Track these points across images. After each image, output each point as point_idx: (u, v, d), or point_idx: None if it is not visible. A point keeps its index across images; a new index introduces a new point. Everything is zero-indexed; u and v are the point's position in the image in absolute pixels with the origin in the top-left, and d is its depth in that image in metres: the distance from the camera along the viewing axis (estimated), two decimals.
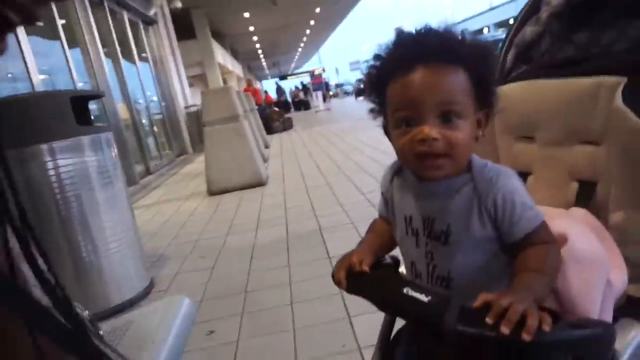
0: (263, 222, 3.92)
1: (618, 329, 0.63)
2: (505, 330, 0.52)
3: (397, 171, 0.80)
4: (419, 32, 0.71)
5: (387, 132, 0.76)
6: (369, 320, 1.97)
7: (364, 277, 0.70)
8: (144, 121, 9.05)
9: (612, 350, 0.60)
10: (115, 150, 2.58)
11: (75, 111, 2.28)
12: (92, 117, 2.66)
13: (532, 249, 0.65)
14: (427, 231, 0.74)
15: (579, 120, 0.84)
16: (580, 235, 0.72)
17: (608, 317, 0.68)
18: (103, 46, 7.10)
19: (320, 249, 2.93)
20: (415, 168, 0.71)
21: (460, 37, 0.70)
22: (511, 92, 0.98)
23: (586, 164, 0.85)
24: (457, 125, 0.67)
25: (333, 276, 0.74)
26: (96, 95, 2.92)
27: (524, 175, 1.00)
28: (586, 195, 0.85)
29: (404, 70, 0.67)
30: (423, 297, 0.62)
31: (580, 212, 0.82)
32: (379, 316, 1.82)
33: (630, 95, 0.75)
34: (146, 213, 5.25)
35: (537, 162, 0.97)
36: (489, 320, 0.54)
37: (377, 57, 0.74)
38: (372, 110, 0.77)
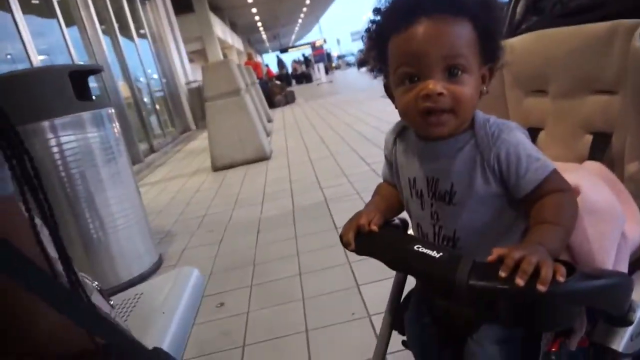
0: (268, 196, 3.92)
1: (635, 279, 0.62)
2: (519, 282, 0.50)
3: (399, 133, 0.78)
4: None
5: (388, 91, 0.73)
6: (377, 288, 1.99)
7: (373, 236, 0.69)
8: (145, 99, 9.00)
9: (629, 301, 0.58)
10: (117, 126, 2.56)
11: (75, 87, 2.25)
12: (93, 95, 2.62)
13: (546, 199, 0.62)
14: (432, 192, 0.73)
15: (594, 68, 0.80)
16: (593, 187, 0.70)
17: (624, 269, 0.67)
18: (100, 23, 6.99)
19: (326, 220, 2.93)
20: (419, 126, 0.69)
21: None
22: (521, 44, 0.95)
23: (600, 115, 0.82)
24: (463, 79, 0.64)
25: (341, 238, 0.73)
26: (95, 70, 2.87)
27: (535, 131, 0.97)
28: (601, 148, 0.82)
29: (407, 23, 0.64)
30: (434, 254, 0.60)
31: (594, 165, 0.80)
32: (387, 284, 1.82)
33: None
34: (152, 191, 5.27)
35: (549, 117, 0.94)
36: (502, 273, 0.52)
37: (376, 11, 0.70)
38: (372, 69, 0.74)
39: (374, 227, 0.69)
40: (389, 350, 1.03)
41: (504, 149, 0.65)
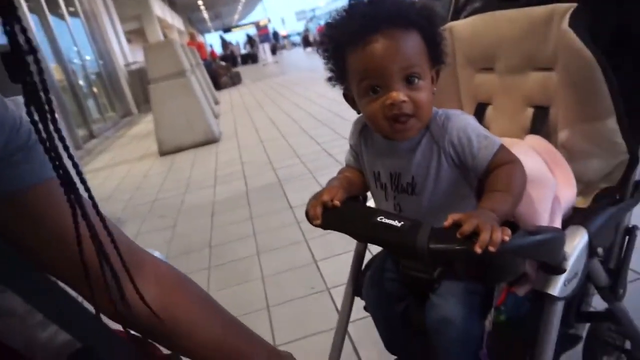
0: (220, 178, 3.88)
1: (567, 234, 0.70)
2: (477, 249, 0.56)
3: (363, 127, 0.83)
4: (370, 0, 0.72)
5: (347, 99, 0.78)
6: (334, 263, 2.05)
7: (338, 211, 0.73)
8: (80, 82, 8.50)
9: (563, 252, 0.67)
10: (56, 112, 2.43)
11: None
12: None
13: (497, 171, 0.70)
14: (394, 185, 0.79)
15: (534, 47, 0.88)
16: (530, 160, 0.78)
17: (557, 226, 0.76)
18: (26, 0, 6.48)
19: (281, 200, 2.96)
20: (386, 131, 0.74)
21: (407, 0, 0.72)
22: (471, 26, 1.02)
23: (540, 90, 0.91)
24: (420, 86, 0.70)
25: (307, 213, 0.76)
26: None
27: (484, 106, 1.05)
28: (540, 120, 0.91)
29: (363, 40, 0.69)
30: (396, 223, 0.65)
31: (534, 139, 0.89)
32: (344, 258, 1.89)
33: (576, 20, 0.79)
34: (96, 178, 5.05)
35: (496, 92, 1.02)
36: (459, 235, 0.58)
37: (330, 26, 0.74)
38: (330, 79, 0.78)
39: (337, 203, 0.73)
40: (350, 319, 1.10)
41: (455, 133, 0.72)
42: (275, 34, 31.23)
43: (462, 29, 1.06)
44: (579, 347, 1.06)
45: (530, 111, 0.94)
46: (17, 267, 0.35)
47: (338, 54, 0.74)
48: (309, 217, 0.75)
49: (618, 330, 1.12)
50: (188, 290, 0.67)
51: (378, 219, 0.67)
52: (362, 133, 0.83)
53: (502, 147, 0.71)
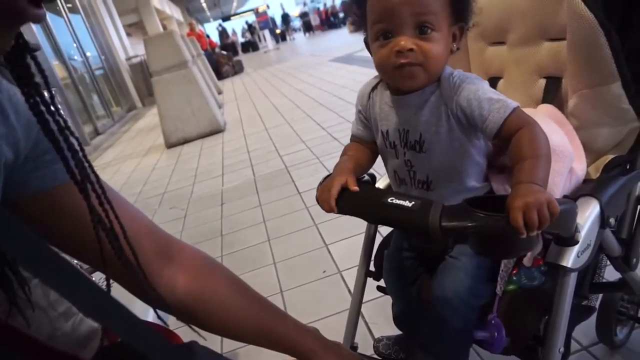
0: (228, 168, 3.89)
1: (578, 205, 0.70)
2: (523, 233, 0.55)
3: (374, 88, 0.82)
4: None
5: (367, 46, 0.77)
6: (344, 246, 2.07)
7: (350, 195, 0.73)
8: (84, 78, 8.51)
9: (575, 224, 0.66)
10: (61, 108, 2.44)
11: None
12: None
13: (517, 136, 0.67)
14: (403, 142, 0.78)
15: (548, 17, 0.87)
16: (549, 130, 0.77)
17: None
18: None
19: (289, 187, 2.97)
20: (392, 78, 0.74)
21: None
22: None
23: (552, 60, 0.89)
24: (433, 37, 0.69)
25: (318, 200, 0.76)
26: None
27: (495, 80, 1.04)
28: (552, 91, 0.90)
29: None
30: (407, 203, 0.65)
31: (546, 108, 0.88)
32: (354, 240, 1.89)
33: None
34: (104, 173, 5.08)
35: (507, 64, 1.01)
36: (522, 233, 0.56)
37: None
38: (353, 23, 0.78)
39: (355, 188, 0.73)
40: (363, 299, 1.11)
41: (464, 96, 0.71)
42: (286, 16, 27.85)
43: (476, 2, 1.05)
44: (593, 318, 1.06)
45: (542, 82, 0.93)
46: (48, 259, 0.36)
47: None
48: (321, 203, 0.75)
49: (632, 300, 1.12)
50: (217, 272, 0.69)
51: (389, 200, 0.67)
52: (372, 93, 0.82)
53: (519, 110, 0.69)
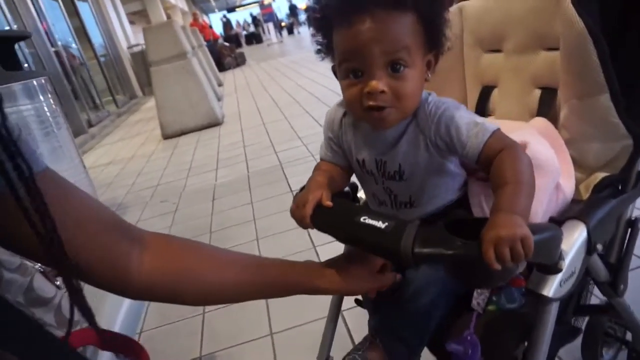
0: (222, 162, 3.86)
1: (564, 229, 0.66)
2: (496, 266, 0.50)
3: (345, 114, 0.78)
4: None
5: (335, 74, 0.72)
6: (333, 248, 2.00)
7: (323, 213, 0.68)
8: (85, 66, 8.45)
9: (559, 251, 0.62)
10: (53, 96, 2.39)
11: (0, 56, 2.07)
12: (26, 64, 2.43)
13: (499, 159, 0.63)
14: (381, 172, 0.75)
15: (544, 25, 0.83)
16: (537, 143, 0.73)
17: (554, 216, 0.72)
18: None
19: (282, 184, 2.93)
20: (363, 119, 0.70)
21: None
22: (482, 4, 0.97)
23: (548, 70, 0.86)
24: (406, 75, 0.64)
25: (292, 213, 0.72)
26: (21, 37, 2.65)
27: (490, 89, 1.00)
28: (547, 102, 0.86)
29: (349, 19, 0.63)
30: (380, 224, 0.61)
31: (539, 122, 0.84)
32: (342, 244, 1.83)
33: None
34: (100, 162, 5.06)
35: (503, 73, 0.97)
36: (494, 266, 0.51)
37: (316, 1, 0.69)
38: (319, 51, 0.72)
39: (328, 203, 0.68)
40: (345, 307, 1.07)
41: (443, 124, 0.67)
42: (293, 8, 26.66)
43: (473, 8, 1.01)
44: (579, 339, 1.03)
45: (537, 93, 0.90)
46: None
47: (325, 28, 0.68)
48: (296, 220, 0.71)
49: (619, 322, 1.08)
50: (182, 246, 0.69)
51: (362, 219, 0.63)
52: (343, 121, 0.78)
53: (496, 133, 0.65)
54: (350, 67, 0.65)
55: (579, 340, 1.06)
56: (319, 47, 0.72)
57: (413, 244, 0.56)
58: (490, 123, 0.67)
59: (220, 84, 8.90)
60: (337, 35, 0.66)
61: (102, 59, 9.30)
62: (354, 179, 0.86)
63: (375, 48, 0.62)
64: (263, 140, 4.17)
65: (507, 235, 0.51)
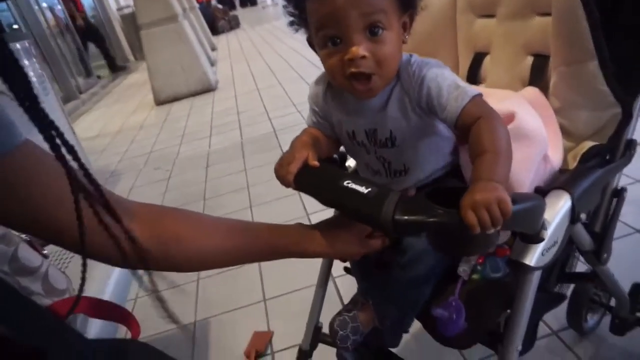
0: (216, 129, 3.82)
1: (548, 199, 0.66)
2: (477, 229, 0.50)
3: (327, 86, 0.75)
4: None
5: (311, 46, 0.70)
6: (326, 215, 2.02)
7: (308, 174, 0.68)
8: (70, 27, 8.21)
9: (542, 220, 0.62)
10: (38, 60, 2.34)
11: None
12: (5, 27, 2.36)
13: (477, 127, 0.62)
14: (372, 141, 0.73)
15: None
16: (525, 113, 0.72)
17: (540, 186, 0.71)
18: None
19: (276, 151, 2.91)
20: (347, 89, 0.68)
21: None
22: None
23: (541, 36, 0.83)
24: (384, 38, 0.62)
25: (276, 172, 0.71)
26: None
27: (482, 56, 0.98)
28: (540, 69, 0.84)
29: None
30: (363, 189, 0.60)
31: (530, 92, 0.82)
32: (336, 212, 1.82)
33: None
34: (91, 129, 5.00)
35: (495, 39, 0.95)
36: (474, 229, 0.51)
37: None
38: (292, 23, 0.70)
39: (315, 163, 0.68)
40: (338, 273, 1.09)
41: (425, 84, 0.66)
42: None
43: None
44: (564, 304, 1.05)
45: (529, 60, 0.87)
46: None
47: None
48: (279, 178, 0.70)
49: (604, 288, 1.10)
50: (170, 214, 0.69)
51: (345, 183, 0.62)
52: (327, 93, 0.76)
53: (475, 99, 0.64)
54: (327, 35, 0.63)
55: (564, 305, 1.08)
56: (292, 18, 0.69)
57: (394, 211, 0.56)
58: (472, 88, 0.65)
59: (213, 49, 8.70)
60: (311, 3, 0.63)
61: (90, 20, 9.02)
62: (342, 150, 0.85)
63: (352, 11, 0.60)
64: (257, 107, 4.11)
65: (482, 198, 0.51)
